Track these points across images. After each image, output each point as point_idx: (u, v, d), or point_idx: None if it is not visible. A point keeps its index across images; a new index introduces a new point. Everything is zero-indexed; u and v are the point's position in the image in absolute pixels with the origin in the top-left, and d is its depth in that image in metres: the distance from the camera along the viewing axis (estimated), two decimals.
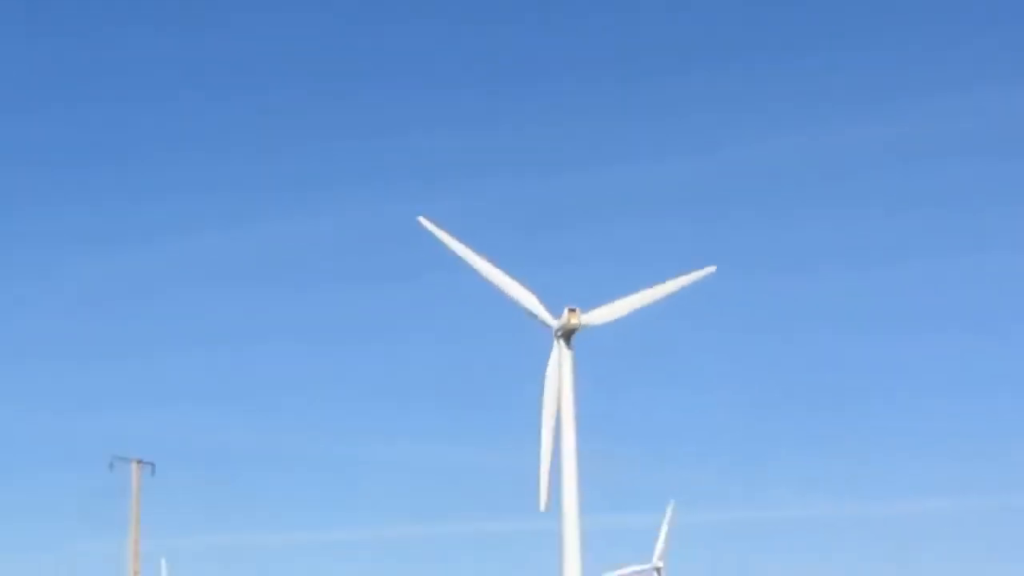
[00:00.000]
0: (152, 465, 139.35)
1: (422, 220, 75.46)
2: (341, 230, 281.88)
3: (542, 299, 75.09)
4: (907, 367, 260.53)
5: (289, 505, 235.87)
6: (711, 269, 76.39)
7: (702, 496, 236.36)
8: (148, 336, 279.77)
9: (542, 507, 72.47)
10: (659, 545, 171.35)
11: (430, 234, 75.66)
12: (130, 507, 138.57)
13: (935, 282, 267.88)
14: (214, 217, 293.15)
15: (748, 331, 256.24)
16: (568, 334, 74.10)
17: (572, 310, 73.81)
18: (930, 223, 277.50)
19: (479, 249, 75.89)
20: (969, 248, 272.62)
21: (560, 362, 73.84)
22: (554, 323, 74.49)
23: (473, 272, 75.66)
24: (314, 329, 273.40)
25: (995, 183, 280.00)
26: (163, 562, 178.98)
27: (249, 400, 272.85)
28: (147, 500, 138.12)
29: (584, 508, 72.96)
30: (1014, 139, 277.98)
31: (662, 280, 76.67)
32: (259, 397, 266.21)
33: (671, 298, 76.51)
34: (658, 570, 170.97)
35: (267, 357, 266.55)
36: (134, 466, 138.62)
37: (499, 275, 75.13)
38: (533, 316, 74.88)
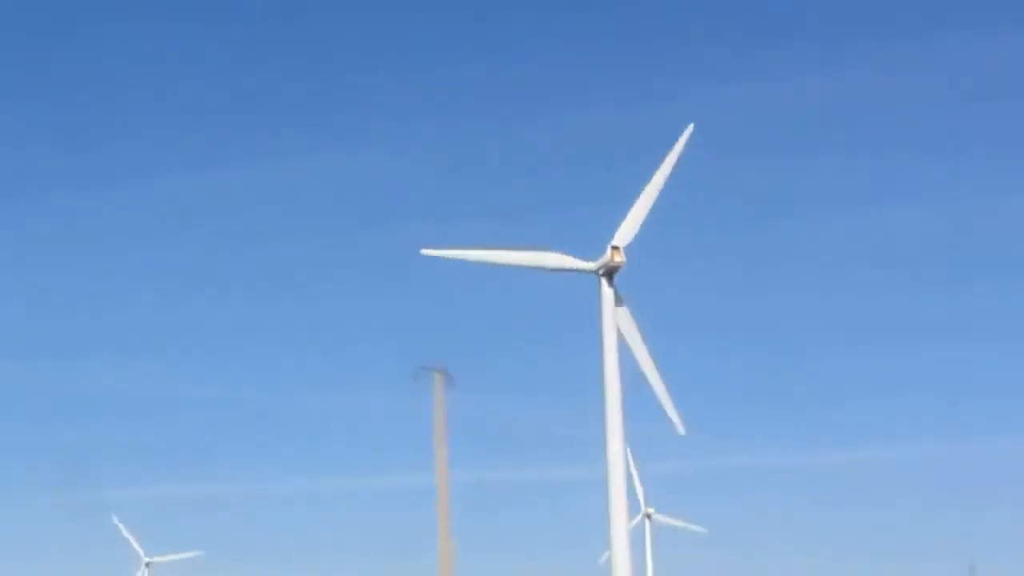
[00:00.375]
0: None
1: (426, 251, 73.46)
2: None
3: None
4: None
5: None
6: (690, 128, 72.81)
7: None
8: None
9: (681, 431, 74.06)
10: (639, 490, 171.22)
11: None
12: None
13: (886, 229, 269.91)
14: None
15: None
16: (610, 273, 73.23)
17: (616, 248, 72.89)
18: (883, 172, 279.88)
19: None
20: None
21: (604, 302, 73.06)
22: (593, 265, 73.53)
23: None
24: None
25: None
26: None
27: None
28: None
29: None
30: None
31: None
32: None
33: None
34: (648, 516, 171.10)
35: None
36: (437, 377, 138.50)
37: (522, 255, 74.53)
38: (572, 271, 74.34)
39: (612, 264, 72.75)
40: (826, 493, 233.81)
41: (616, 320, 72.94)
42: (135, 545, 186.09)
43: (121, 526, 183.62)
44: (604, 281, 73.16)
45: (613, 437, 72.15)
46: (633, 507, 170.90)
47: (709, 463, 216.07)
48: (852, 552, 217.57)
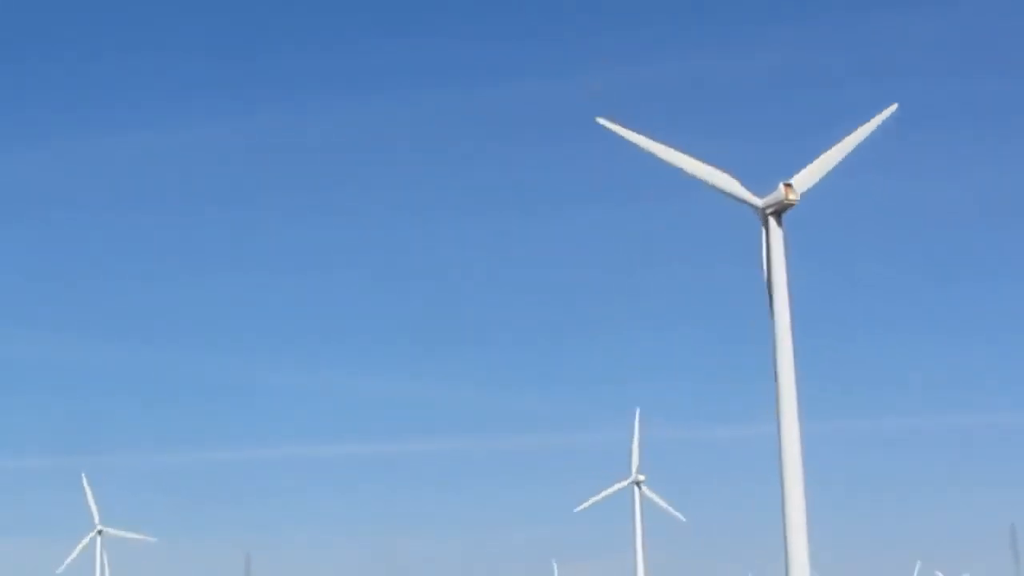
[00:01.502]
0: None
1: (602, 121, 69.77)
2: None
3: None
4: None
5: None
6: (893, 107, 70.10)
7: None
8: None
9: None
10: (634, 458, 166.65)
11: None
12: None
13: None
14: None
15: None
16: (779, 212, 67.83)
17: (788, 184, 67.49)
18: None
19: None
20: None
21: (771, 243, 67.61)
22: (760, 202, 68.18)
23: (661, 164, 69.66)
24: None
25: None
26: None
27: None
28: None
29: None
30: None
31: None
32: None
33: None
34: (639, 484, 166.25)
35: None
36: None
37: (693, 163, 69.08)
38: (734, 198, 68.77)
39: (785, 202, 67.48)
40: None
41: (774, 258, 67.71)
42: (93, 509, 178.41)
43: (88, 489, 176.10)
44: (773, 220, 67.91)
45: (786, 396, 66.47)
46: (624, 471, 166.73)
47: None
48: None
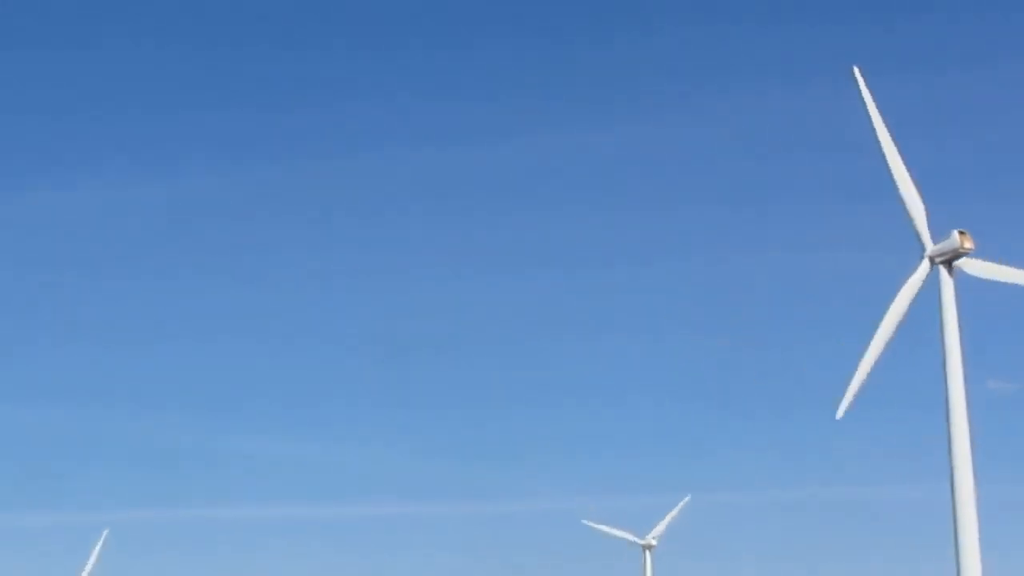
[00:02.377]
0: None
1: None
2: None
3: None
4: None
5: None
6: None
7: None
8: None
9: (839, 414, 69.05)
10: (660, 526, 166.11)
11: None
12: None
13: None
14: None
15: None
16: (951, 260, 67.80)
17: (963, 233, 67.50)
18: None
19: None
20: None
21: (941, 290, 67.58)
22: (931, 246, 68.21)
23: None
24: None
25: None
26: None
27: None
28: None
29: None
30: None
31: None
32: None
33: None
34: (649, 548, 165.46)
35: None
36: None
37: (905, 176, 69.13)
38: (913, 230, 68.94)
39: (960, 250, 67.49)
40: None
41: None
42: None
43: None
44: (941, 268, 67.92)
45: (959, 445, 66.03)
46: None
47: None
48: None
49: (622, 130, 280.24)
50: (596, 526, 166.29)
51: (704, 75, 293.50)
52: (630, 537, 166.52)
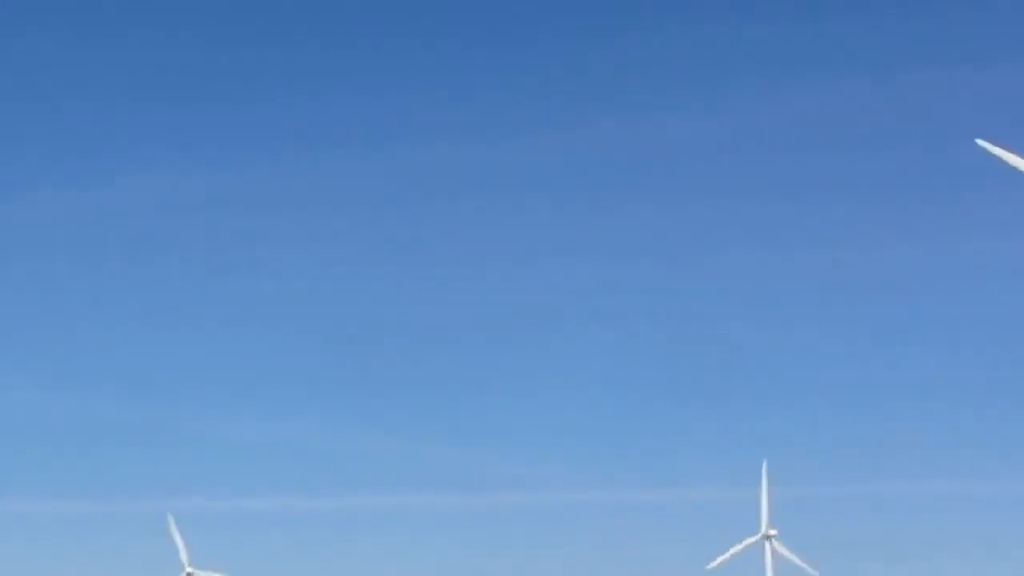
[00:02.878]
0: None
1: (981, 143, 72.47)
2: None
3: None
4: None
5: None
6: None
7: None
8: None
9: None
10: (763, 512, 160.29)
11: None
12: None
13: None
14: None
15: None
16: None
17: None
18: None
19: None
20: None
21: None
22: None
23: None
24: None
25: None
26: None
27: None
28: None
29: None
30: None
31: None
32: None
33: None
34: (770, 539, 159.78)
35: None
36: None
37: None
38: None
39: None
40: None
41: None
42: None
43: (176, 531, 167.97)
44: None
45: None
46: (753, 526, 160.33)
47: None
48: None
49: (622, 130, 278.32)
50: None
51: (704, 75, 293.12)
52: None
